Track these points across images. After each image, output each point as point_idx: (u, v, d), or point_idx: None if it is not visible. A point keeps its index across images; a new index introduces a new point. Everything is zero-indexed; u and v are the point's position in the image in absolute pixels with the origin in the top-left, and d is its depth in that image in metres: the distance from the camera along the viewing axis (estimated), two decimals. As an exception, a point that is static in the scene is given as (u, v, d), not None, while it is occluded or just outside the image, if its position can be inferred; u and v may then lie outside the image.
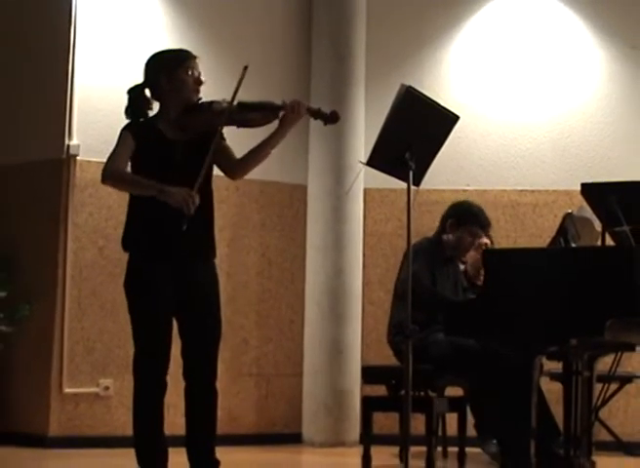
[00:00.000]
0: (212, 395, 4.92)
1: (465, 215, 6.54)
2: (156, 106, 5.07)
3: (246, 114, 4.90)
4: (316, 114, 4.94)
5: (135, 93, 4.97)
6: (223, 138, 5.00)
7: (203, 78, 4.97)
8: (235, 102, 4.85)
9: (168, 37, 7.89)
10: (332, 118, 4.90)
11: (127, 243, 4.93)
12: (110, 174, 4.85)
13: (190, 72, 4.93)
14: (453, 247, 6.53)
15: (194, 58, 4.98)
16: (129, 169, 4.93)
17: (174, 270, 4.86)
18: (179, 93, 4.92)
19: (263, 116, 4.93)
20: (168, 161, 4.85)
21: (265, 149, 4.99)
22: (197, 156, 4.80)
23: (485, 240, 7.05)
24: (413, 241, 6.00)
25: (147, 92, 4.99)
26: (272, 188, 8.09)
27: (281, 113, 4.93)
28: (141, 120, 4.97)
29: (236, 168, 5.02)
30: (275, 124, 4.96)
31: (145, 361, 4.81)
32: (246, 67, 4.81)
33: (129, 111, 4.97)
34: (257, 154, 5.00)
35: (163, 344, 4.81)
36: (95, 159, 7.51)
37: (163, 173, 4.79)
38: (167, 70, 4.92)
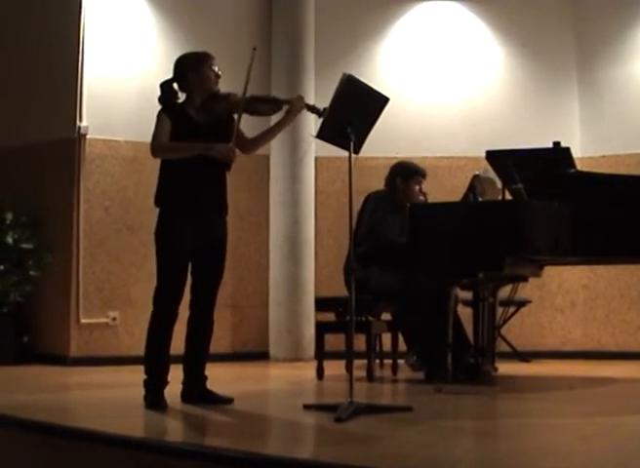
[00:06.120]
0: (211, 323, 4.89)
1: (409, 171, 6.53)
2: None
3: (256, 106, 4.85)
4: (312, 109, 4.90)
5: (166, 85, 4.87)
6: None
7: (220, 73, 4.91)
8: (248, 95, 4.77)
9: (155, 36, 7.78)
10: (323, 113, 4.80)
11: (159, 200, 4.82)
12: (158, 147, 4.74)
13: (212, 69, 4.87)
14: (406, 197, 6.45)
15: (214, 57, 4.91)
16: None
17: (197, 224, 4.76)
18: (204, 85, 4.85)
19: (270, 108, 4.93)
20: (196, 138, 4.74)
21: (273, 133, 5.04)
22: (219, 134, 4.78)
23: (421, 197, 7.05)
24: (362, 196, 6.23)
25: (175, 85, 4.89)
26: (242, 158, 7.84)
27: (285, 106, 4.91)
28: (172, 106, 4.85)
29: (248, 145, 4.98)
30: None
31: (165, 296, 4.73)
32: (254, 49, 4.74)
33: (161, 99, 4.85)
34: (265, 136, 5.04)
35: (181, 284, 4.75)
36: (100, 137, 7.51)
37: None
38: (194, 67, 4.84)
